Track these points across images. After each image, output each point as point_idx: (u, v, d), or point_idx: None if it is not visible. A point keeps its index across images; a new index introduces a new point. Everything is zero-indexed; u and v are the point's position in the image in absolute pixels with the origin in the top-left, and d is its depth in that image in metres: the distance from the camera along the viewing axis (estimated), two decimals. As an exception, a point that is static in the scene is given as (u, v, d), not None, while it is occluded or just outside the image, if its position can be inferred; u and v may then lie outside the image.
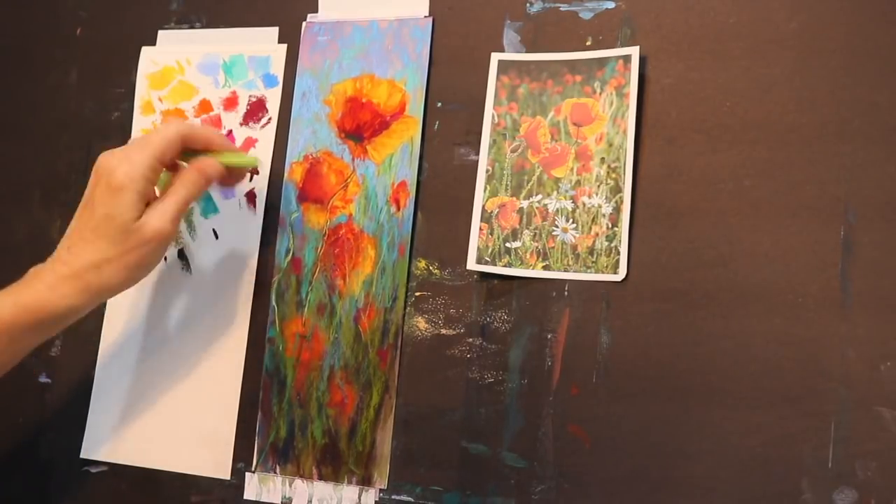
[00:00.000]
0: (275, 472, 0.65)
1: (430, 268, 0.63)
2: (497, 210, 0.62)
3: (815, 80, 0.57)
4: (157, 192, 0.61)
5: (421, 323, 0.63)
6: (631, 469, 0.57)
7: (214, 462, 0.66)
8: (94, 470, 0.68)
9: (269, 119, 0.70)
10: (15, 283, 0.58)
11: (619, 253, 0.59)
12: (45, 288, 0.56)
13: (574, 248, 0.60)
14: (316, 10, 0.70)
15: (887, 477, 0.52)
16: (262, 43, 0.71)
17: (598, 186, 0.60)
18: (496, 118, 0.63)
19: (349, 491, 0.63)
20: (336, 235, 0.66)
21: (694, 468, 0.55)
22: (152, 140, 0.59)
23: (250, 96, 0.71)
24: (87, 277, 0.57)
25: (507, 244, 0.61)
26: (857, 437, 0.53)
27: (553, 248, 0.60)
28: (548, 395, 0.59)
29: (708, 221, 0.58)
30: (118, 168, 0.57)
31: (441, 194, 0.64)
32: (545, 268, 0.60)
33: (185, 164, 0.62)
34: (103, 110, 0.75)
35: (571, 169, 0.61)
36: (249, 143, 0.70)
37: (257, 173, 0.67)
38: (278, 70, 0.70)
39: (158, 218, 0.58)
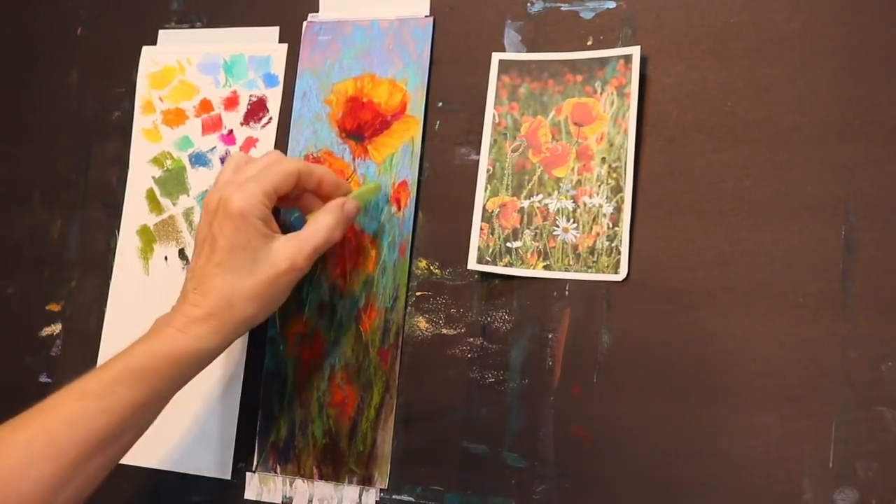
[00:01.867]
0: (275, 472, 0.64)
1: (431, 267, 0.63)
2: (498, 210, 0.62)
3: (816, 79, 0.57)
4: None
5: (422, 323, 0.63)
6: (632, 469, 0.57)
7: (214, 462, 0.66)
8: (94, 470, 0.68)
9: (270, 119, 0.70)
10: (145, 334, 0.56)
11: (619, 253, 0.59)
12: (178, 332, 0.54)
13: (575, 247, 0.60)
14: (317, 10, 0.70)
15: (888, 477, 0.52)
16: (263, 42, 0.71)
17: (599, 186, 0.60)
18: (497, 118, 0.63)
19: (350, 491, 0.63)
20: (337, 235, 0.66)
21: (694, 468, 0.55)
22: (270, 172, 0.57)
23: (251, 96, 0.71)
24: (221, 315, 0.54)
25: (508, 244, 0.61)
26: (858, 437, 0.53)
27: (554, 247, 0.60)
28: (549, 395, 0.59)
29: (709, 221, 0.58)
30: (233, 196, 0.55)
31: (442, 194, 0.64)
32: (546, 268, 0.60)
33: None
34: (103, 110, 0.75)
35: (572, 169, 0.61)
36: (250, 142, 0.70)
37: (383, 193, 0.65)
38: (279, 70, 0.70)
39: (295, 250, 0.56)
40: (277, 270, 0.56)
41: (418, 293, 0.63)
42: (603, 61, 0.61)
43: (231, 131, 0.71)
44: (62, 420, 0.52)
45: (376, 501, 0.62)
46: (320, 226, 0.58)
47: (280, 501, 0.64)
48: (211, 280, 0.55)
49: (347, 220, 0.60)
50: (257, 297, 0.56)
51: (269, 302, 0.57)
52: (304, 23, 0.70)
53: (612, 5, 0.62)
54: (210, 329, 0.55)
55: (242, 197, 0.55)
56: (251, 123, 0.70)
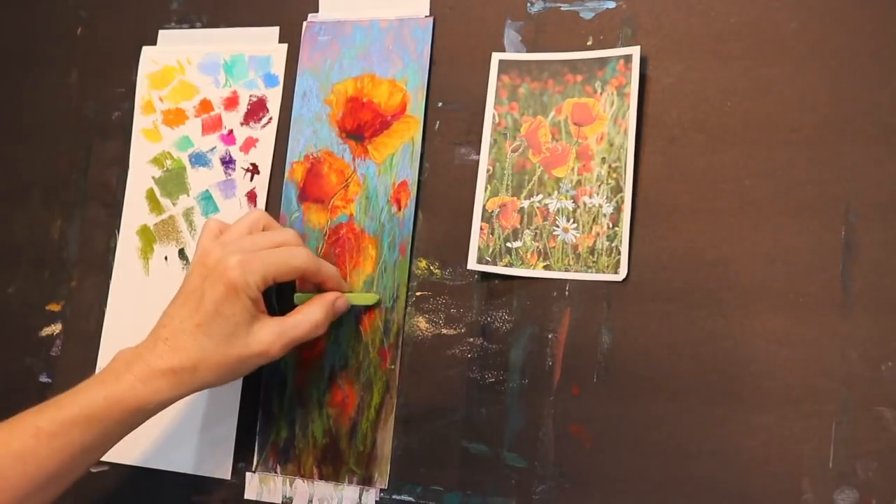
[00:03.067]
0: (275, 472, 0.64)
1: (431, 267, 0.63)
2: (498, 210, 0.62)
3: (816, 79, 0.57)
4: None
5: (422, 323, 0.63)
6: (631, 469, 0.57)
7: (214, 462, 0.66)
8: (94, 470, 0.68)
9: (270, 119, 0.70)
10: (103, 372, 0.57)
11: (619, 253, 0.59)
12: (137, 381, 0.55)
13: (575, 247, 0.60)
14: (317, 10, 0.70)
15: (888, 477, 0.52)
16: (263, 42, 0.71)
17: (599, 186, 0.60)
18: (497, 118, 0.63)
19: (350, 491, 0.63)
20: (337, 235, 0.66)
21: (694, 468, 0.55)
22: (278, 259, 0.57)
23: (251, 96, 0.71)
24: (182, 375, 0.55)
25: (508, 244, 0.61)
26: (858, 437, 0.53)
27: (554, 247, 0.60)
28: (548, 395, 0.59)
29: (709, 221, 0.58)
30: (234, 269, 0.55)
31: (442, 194, 0.64)
32: (546, 268, 0.60)
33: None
34: (103, 110, 0.75)
35: (572, 169, 0.61)
36: (250, 142, 0.70)
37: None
38: (279, 70, 0.70)
39: (273, 338, 0.57)
40: (250, 352, 0.56)
41: (418, 293, 0.63)
42: (603, 61, 0.61)
43: (231, 131, 0.71)
44: (14, 455, 0.53)
45: (376, 501, 0.62)
46: (306, 319, 0.58)
47: (280, 501, 0.64)
48: (185, 338, 0.55)
49: (335, 316, 0.61)
50: (222, 370, 0.56)
51: (231, 376, 0.58)
52: (304, 23, 0.70)
53: (612, 5, 0.62)
54: (169, 384, 0.55)
55: (242, 272, 0.55)
56: (251, 123, 0.70)
